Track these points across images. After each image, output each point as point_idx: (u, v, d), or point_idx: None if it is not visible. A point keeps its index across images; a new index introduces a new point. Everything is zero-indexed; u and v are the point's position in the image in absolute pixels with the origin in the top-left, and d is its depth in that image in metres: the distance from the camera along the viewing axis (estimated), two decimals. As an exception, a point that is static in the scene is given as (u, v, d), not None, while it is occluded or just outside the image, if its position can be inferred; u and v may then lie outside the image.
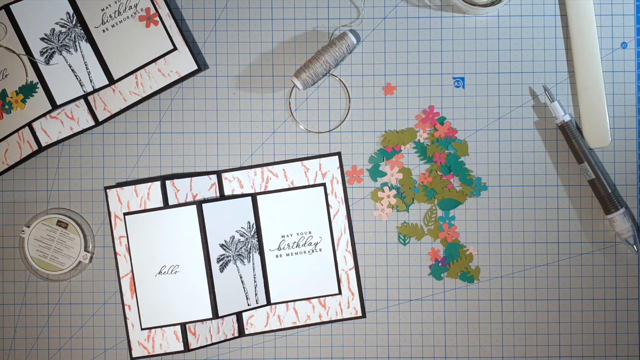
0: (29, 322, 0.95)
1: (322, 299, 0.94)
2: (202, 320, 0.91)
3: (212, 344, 0.92)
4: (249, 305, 0.92)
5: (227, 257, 0.91)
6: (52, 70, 0.91)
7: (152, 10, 0.93)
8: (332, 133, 0.95)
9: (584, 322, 0.93)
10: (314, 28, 0.95)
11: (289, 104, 0.95)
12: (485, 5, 0.92)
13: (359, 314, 0.94)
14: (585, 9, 0.93)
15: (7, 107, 0.92)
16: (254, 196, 0.94)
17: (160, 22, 0.93)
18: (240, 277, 0.92)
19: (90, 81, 0.92)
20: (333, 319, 0.94)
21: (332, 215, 0.94)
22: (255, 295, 0.93)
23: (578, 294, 0.93)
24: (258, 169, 0.94)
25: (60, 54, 0.92)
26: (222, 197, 0.94)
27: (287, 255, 0.94)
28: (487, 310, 0.94)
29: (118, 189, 0.93)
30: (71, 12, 0.93)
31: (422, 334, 0.94)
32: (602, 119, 0.93)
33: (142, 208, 0.92)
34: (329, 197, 0.94)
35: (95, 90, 0.93)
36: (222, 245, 0.91)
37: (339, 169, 0.94)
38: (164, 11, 0.93)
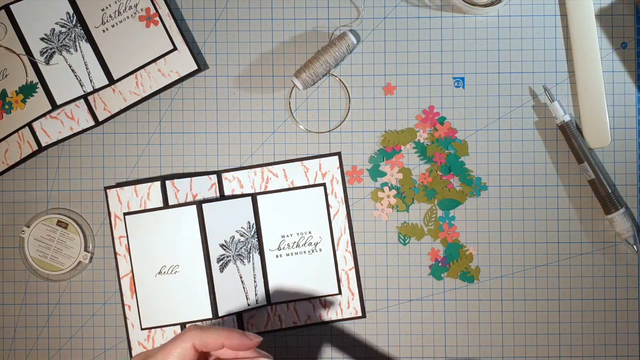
0: (29, 322, 0.95)
1: (322, 299, 0.94)
2: (202, 320, 0.91)
3: (212, 344, 0.92)
4: (249, 305, 0.92)
5: (227, 257, 0.91)
6: (52, 70, 0.91)
7: (152, 10, 0.93)
8: (332, 133, 0.95)
9: (584, 322, 0.93)
10: (314, 28, 0.95)
11: (289, 104, 0.95)
12: (485, 5, 0.92)
13: (359, 314, 0.94)
14: (585, 9, 0.93)
15: (7, 107, 0.92)
16: (254, 196, 0.94)
17: (160, 22, 0.93)
18: (240, 277, 0.92)
19: (90, 81, 0.92)
20: (333, 319, 0.94)
21: (332, 215, 0.94)
22: (255, 295, 0.93)
23: (578, 294, 0.93)
24: (258, 169, 0.94)
25: (60, 54, 0.92)
26: (222, 197, 0.94)
27: (287, 255, 0.94)
28: (487, 310, 0.94)
29: (118, 189, 0.93)
30: (71, 12, 0.93)
31: (422, 334, 0.94)
32: (602, 119, 0.93)
33: (142, 208, 0.92)
34: (329, 197, 0.94)
35: (95, 90, 0.93)
36: (222, 245, 0.91)
37: (339, 169, 0.94)
38: (164, 11, 0.93)
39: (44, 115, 0.91)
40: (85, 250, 0.95)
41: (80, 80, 0.92)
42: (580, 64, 0.93)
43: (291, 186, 0.94)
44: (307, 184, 0.94)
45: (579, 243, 0.93)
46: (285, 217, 0.94)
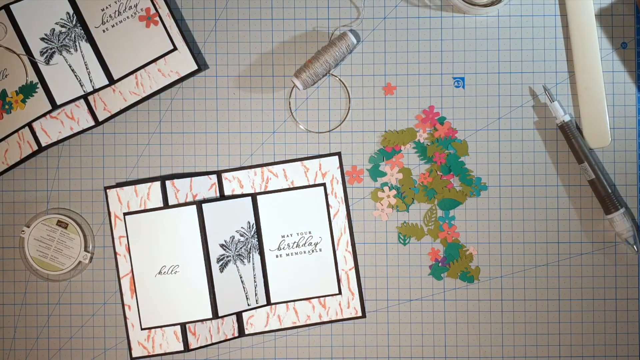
0: (29, 322, 0.95)
1: (322, 299, 0.94)
2: (202, 320, 0.91)
3: (212, 344, 0.92)
4: (249, 305, 0.92)
5: (227, 257, 0.91)
6: (52, 70, 0.91)
7: (152, 10, 0.93)
8: (332, 133, 0.95)
9: (584, 322, 0.93)
10: (314, 28, 0.95)
11: (289, 104, 0.95)
12: (485, 5, 0.92)
13: (359, 314, 0.94)
14: (585, 9, 0.93)
15: (7, 107, 0.92)
16: (254, 196, 0.94)
17: (160, 22, 0.93)
18: (240, 277, 0.92)
19: (90, 81, 0.93)
20: (333, 319, 0.94)
21: (332, 215, 0.94)
22: (255, 295, 0.93)
23: (578, 294, 0.93)
24: (258, 169, 0.94)
25: (60, 54, 0.92)
26: (222, 197, 0.94)
27: (287, 255, 0.94)
28: (487, 310, 0.94)
29: (118, 189, 0.93)
30: (71, 12, 0.93)
31: (422, 334, 0.94)
32: (602, 119, 0.93)
33: (142, 208, 0.92)
34: (329, 197, 0.94)
35: (95, 90, 0.93)
36: (222, 245, 0.91)
37: (339, 169, 0.94)
38: (164, 11, 0.93)
39: (44, 115, 0.91)
40: (85, 250, 0.95)
41: (80, 80, 0.92)
42: (580, 64, 0.93)
43: (291, 186, 0.94)
44: (307, 184, 0.94)
45: (579, 243, 0.93)
46: (285, 217, 0.94)
